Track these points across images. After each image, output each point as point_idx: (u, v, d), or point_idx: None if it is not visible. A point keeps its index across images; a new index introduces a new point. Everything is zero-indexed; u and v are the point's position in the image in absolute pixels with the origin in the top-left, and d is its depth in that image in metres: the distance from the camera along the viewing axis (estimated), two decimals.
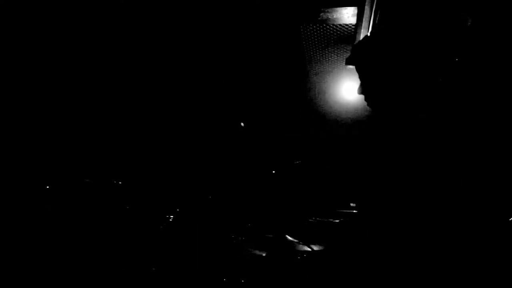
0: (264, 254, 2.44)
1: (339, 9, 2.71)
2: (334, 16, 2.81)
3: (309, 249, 2.42)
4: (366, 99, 1.20)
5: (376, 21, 2.57)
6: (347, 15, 2.78)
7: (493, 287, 0.83)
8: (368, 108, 1.21)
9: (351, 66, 1.24)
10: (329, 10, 2.73)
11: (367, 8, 2.52)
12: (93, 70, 3.56)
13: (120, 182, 3.25)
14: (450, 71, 1.03)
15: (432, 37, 1.04)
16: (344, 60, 3.56)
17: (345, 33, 3.12)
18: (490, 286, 0.83)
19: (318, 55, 3.60)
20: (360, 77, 1.21)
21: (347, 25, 2.98)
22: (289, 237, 2.60)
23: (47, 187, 3.07)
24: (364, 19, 2.62)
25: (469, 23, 1.04)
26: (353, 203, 3.48)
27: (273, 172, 3.39)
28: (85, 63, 3.45)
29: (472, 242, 0.85)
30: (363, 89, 1.21)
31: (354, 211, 3.29)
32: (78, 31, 3.03)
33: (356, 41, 2.96)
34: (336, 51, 3.46)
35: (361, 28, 2.73)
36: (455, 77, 1.02)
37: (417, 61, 1.04)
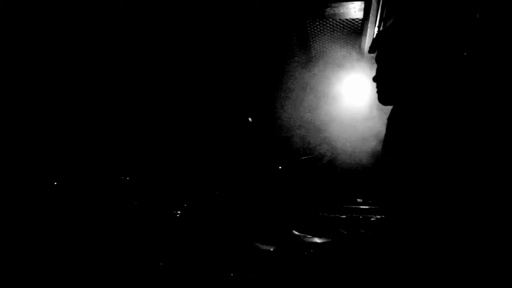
0: (271, 249, 2.45)
1: (345, 3, 2.69)
2: (341, 11, 2.79)
3: (316, 244, 2.43)
4: (379, 91, 1.17)
5: (384, 16, 2.56)
6: (354, 10, 2.76)
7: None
8: (377, 102, 1.19)
9: (360, 58, 1.22)
10: (336, 5, 2.71)
11: (374, 2, 2.51)
12: (105, 68, 3.59)
13: (128, 178, 3.28)
14: (458, 65, 1.02)
15: (439, 31, 1.04)
16: (351, 54, 3.55)
17: (352, 28, 3.10)
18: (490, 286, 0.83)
19: (325, 50, 3.59)
20: (379, 65, 1.17)
21: (354, 19, 2.96)
22: (296, 232, 2.61)
23: (55, 183, 3.11)
24: (371, 14, 2.61)
25: (477, 17, 1.03)
26: (360, 198, 3.48)
27: (280, 167, 3.40)
28: (98, 60, 3.48)
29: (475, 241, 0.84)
30: (378, 78, 1.17)
31: (361, 206, 3.29)
32: (89, 33, 3.05)
33: (363, 35, 2.94)
34: (343, 46, 3.44)
35: (368, 23, 2.72)
36: (463, 71, 1.01)
37: (425, 56, 1.03)
